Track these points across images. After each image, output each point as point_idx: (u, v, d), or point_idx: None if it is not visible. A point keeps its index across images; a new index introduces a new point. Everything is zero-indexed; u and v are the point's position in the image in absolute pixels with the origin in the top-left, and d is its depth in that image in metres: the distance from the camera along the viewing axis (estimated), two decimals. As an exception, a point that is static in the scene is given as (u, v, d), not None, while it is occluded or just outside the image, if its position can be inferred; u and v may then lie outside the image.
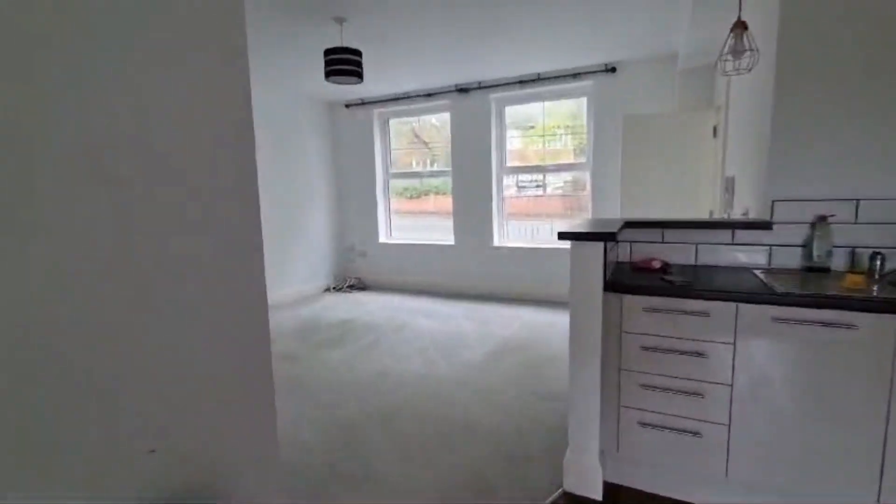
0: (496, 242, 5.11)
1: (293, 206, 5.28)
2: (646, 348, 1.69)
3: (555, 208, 5.27)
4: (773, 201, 1.83)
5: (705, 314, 1.59)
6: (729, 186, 2.81)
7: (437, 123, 5.93)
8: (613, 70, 4.21)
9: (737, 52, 1.89)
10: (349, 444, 2.17)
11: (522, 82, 4.60)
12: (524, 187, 5.22)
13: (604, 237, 1.66)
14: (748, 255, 1.90)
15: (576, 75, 4.35)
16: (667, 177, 3.53)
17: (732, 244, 1.92)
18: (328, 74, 2.97)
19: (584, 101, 4.59)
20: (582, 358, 1.73)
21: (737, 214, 2.53)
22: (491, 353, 3.35)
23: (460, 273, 5.29)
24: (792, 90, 1.77)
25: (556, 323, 4.03)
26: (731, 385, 1.58)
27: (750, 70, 1.91)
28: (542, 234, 5.24)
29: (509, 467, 1.96)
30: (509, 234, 5.24)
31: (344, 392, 2.75)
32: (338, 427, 2.32)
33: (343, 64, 2.91)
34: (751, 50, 1.86)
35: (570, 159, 4.86)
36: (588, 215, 4.71)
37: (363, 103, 5.51)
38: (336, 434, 2.27)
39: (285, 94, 5.06)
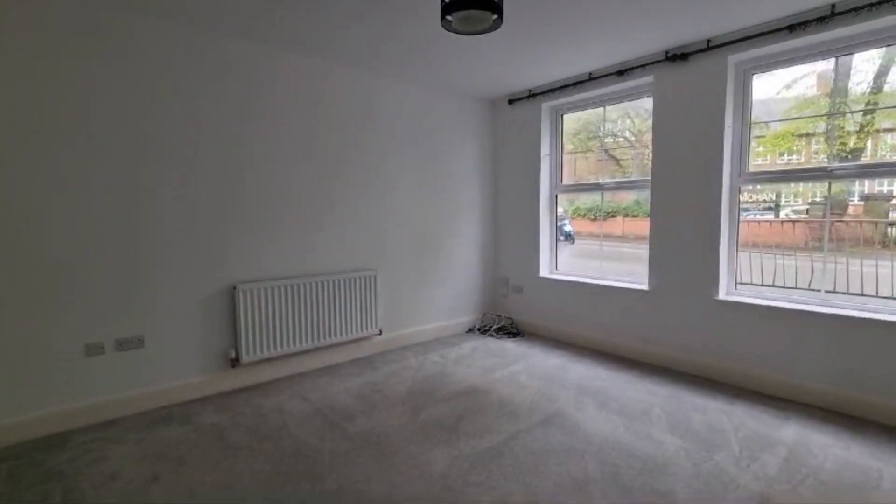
0: (723, 294, 3.18)
1: (441, 224, 4.32)
2: None
3: (788, 239, 3.35)
4: None
5: None
6: None
7: (630, 136, 4.56)
8: None
9: None
10: None
11: (794, 28, 2.68)
12: (745, 210, 3.47)
13: None
14: None
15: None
16: None
17: None
18: (445, 11, 1.80)
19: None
20: None
21: None
22: (725, 536, 1.64)
23: (658, 335, 3.50)
24: None
25: (883, 484, 1.99)
26: None
27: None
28: (789, 275, 3.11)
29: None
30: (743, 276, 3.25)
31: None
32: None
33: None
34: None
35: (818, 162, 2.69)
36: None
37: (531, 95, 4.24)
38: None
39: (440, 92, 4.16)
